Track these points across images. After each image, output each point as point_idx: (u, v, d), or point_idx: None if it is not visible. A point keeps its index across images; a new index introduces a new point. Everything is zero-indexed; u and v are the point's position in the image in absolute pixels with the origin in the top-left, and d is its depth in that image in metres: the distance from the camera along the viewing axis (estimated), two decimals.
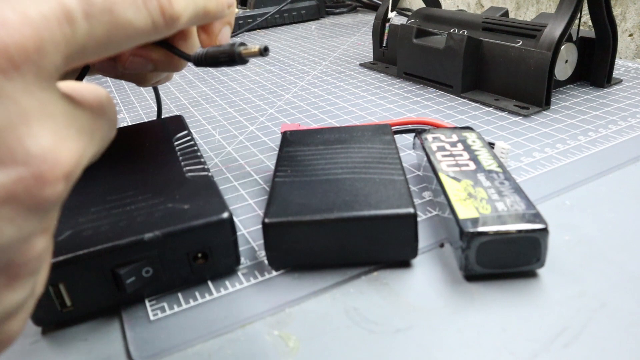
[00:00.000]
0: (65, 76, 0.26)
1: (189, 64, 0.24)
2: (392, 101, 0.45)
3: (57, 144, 0.13)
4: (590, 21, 0.43)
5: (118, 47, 0.15)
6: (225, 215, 0.22)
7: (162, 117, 0.34)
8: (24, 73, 0.12)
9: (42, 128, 0.12)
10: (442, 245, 0.25)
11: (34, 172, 0.12)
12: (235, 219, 0.26)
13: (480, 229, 0.21)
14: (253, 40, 0.76)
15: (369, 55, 0.62)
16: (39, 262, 0.14)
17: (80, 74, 0.26)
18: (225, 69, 0.60)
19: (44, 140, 0.12)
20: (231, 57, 0.21)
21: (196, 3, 0.19)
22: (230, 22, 0.24)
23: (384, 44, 0.55)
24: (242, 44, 0.21)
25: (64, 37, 0.13)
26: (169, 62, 0.24)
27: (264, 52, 0.20)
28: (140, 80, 0.27)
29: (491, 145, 0.31)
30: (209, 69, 0.61)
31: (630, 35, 0.64)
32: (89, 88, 0.16)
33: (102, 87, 0.16)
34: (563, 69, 0.43)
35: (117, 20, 0.15)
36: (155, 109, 0.47)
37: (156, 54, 0.24)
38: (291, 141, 0.30)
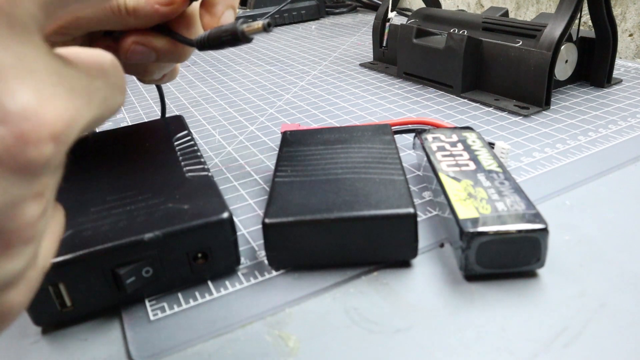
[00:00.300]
0: None
1: (190, 61, 0.23)
2: (392, 101, 0.45)
3: (41, 102, 0.12)
4: (590, 21, 0.43)
5: None
6: (225, 215, 0.22)
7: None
8: None
9: (22, 84, 0.11)
10: (442, 245, 0.25)
11: (14, 131, 0.11)
12: (235, 219, 0.26)
13: (480, 229, 0.21)
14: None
15: (369, 55, 0.62)
16: (33, 229, 0.13)
17: None
18: (225, 68, 0.60)
19: (25, 98, 0.11)
20: (234, 36, 0.21)
21: None
22: (233, 6, 0.24)
23: (384, 44, 0.54)
24: (245, 21, 0.21)
25: None
26: (172, 51, 0.24)
27: (267, 27, 0.19)
28: (142, 73, 0.27)
29: (491, 145, 0.31)
30: (209, 68, 0.61)
31: (630, 35, 0.64)
32: (88, 50, 0.15)
33: (108, 52, 0.15)
34: (563, 69, 0.43)
35: None
36: (156, 109, 0.47)
37: (159, 41, 0.23)
38: (291, 141, 0.30)
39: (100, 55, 0.15)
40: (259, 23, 0.20)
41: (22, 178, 0.12)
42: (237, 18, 0.22)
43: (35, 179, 0.12)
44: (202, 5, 0.23)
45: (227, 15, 0.23)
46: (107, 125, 0.43)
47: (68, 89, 0.13)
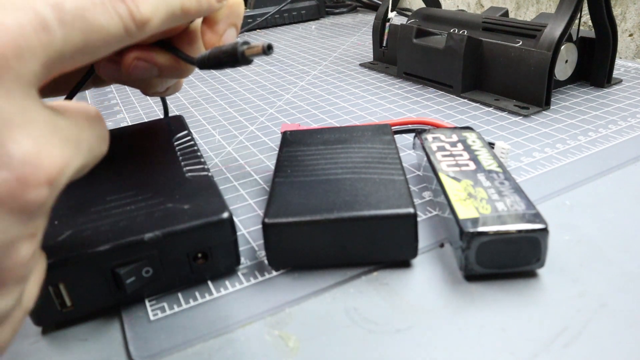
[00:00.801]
0: (68, 79, 0.26)
1: (195, 69, 0.23)
2: (392, 101, 0.45)
3: (40, 150, 0.13)
4: (590, 21, 0.43)
5: (96, 52, 0.16)
6: (225, 215, 0.22)
7: (162, 117, 0.34)
8: (5, 79, 0.12)
9: (24, 134, 0.13)
10: (442, 245, 0.25)
11: (17, 175, 0.12)
12: (235, 219, 0.26)
13: (480, 229, 0.21)
14: (253, 41, 0.76)
15: (369, 55, 0.62)
16: (25, 269, 0.14)
17: (83, 78, 0.26)
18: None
19: (26, 146, 0.13)
20: (234, 58, 0.20)
21: (168, 3, 0.19)
22: (236, 24, 0.23)
23: (384, 44, 0.55)
24: (245, 42, 0.20)
25: (41, 44, 0.13)
26: (174, 67, 0.24)
27: (267, 50, 0.19)
28: (145, 87, 0.27)
29: (491, 145, 0.31)
30: None
31: (630, 35, 0.64)
32: (76, 103, 0.16)
33: (92, 105, 0.17)
34: (563, 69, 0.43)
35: (90, 26, 0.15)
36: (156, 109, 0.47)
37: (161, 57, 0.23)
38: (291, 141, 0.30)
39: (86, 108, 0.16)
40: (258, 45, 0.19)
41: (20, 218, 0.13)
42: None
43: (31, 220, 0.13)
44: (204, 22, 0.23)
45: (229, 33, 0.23)
46: (108, 126, 0.43)
47: (61, 139, 0.14)
